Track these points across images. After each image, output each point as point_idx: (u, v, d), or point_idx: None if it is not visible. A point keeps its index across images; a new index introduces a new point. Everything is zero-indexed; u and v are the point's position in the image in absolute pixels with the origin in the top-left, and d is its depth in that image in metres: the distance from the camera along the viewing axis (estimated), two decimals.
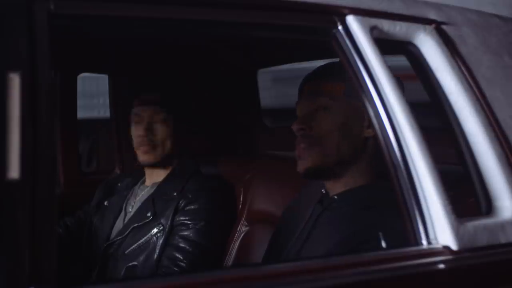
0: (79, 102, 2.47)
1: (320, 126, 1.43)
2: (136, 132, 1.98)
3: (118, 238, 1.94)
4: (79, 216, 2.20)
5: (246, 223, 2.00)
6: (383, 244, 1.16)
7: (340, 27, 1.22)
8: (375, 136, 1.37)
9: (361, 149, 1.43)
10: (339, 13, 1.23)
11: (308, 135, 1.43)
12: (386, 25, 1.28)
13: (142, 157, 1.98)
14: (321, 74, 1.48)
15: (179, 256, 1.86)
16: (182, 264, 1.85)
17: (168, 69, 2.34)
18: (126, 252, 1.90)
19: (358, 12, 1.24)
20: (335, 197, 1.46)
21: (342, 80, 1.42)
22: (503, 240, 1.23)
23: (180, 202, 1.91)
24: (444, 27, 1.36)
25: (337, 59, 1.48)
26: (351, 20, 1.23)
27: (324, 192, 1.51)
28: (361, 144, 1.43)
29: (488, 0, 1.54)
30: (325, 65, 1.51)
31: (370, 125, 1.39)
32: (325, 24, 1.23)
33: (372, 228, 1.23)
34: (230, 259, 1.97)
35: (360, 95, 1.22)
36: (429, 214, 1.16)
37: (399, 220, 1.17)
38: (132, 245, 1.90)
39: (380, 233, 1.16)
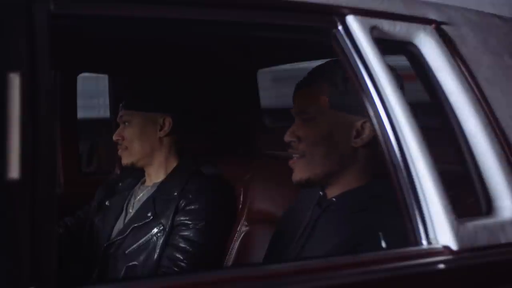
0: (79, 102, 2.47)
1: (307, 138, 1.44)
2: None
3: (119, 238, 1.94)
4: (79, 216, 2.20)
5: (246, 223, 2.00)
6: (382, 244, 1.16)
7: (340, 27, 1.22)
8: (368, 143, 1.38)
9: (350, 158, 1.43)
10: (339, 13, 1.23)
11: (296, 147, 1.45)
12: (386, 25, 1.28)
13: None
14: (306, 85, 1.48)
15: (179, 256, 1.86)
16: (182, 264, 1.85)
17: (168, 69, 2.34)
18: (126, 252, 1.90)
19: (358, 12, 1.24)
20: (333, 199, 1.46)
21: (327, 92, 1.42)
22: (503, 240, 1.23)
23: (181, 202, 1.91)
24: (444, 27, 1.36)
25: (326, 61, 1.49)
26: (351, 20, 1.23)
27: (321, 194, 1.51)
28: (349, 154, 1.43)
29: (488, 0, 1.54)
30: (309, 74, 1.49)
31: (359, 135, 1.40)
32: (325, 24, 1.23)
33: (371, 229, 1.23)
34: (230, 259, 1.97)
35: (360, 95, 1.22)
36: (429, 214, 1.16)
37: (398, 220, 1.17)
38: (133, 245, 1.90)
39: (379, 234, 1.17)
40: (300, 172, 1.45)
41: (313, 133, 1.44)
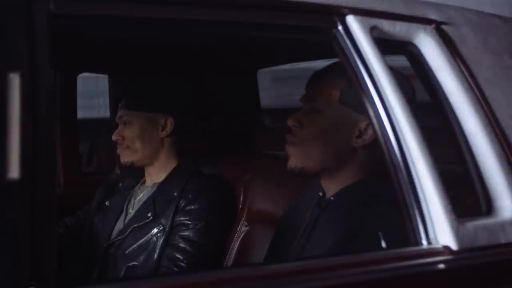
0: (79, 102, 2.47)
1: (310, 126, 1.44)
2: None
3: (119, 238, 1.94)
4: (79, 216, 2.20)
5: (246, 223, 2.00)
6: (380, 237, 1.16)
7: (340, 27, 1.22)
8: (369, 145, 1.38)
9: (348, 157, 1.43)
10: (339, 13, 1.23)
11: (297, 132, 1.45)
12: (386, 25, 1.28)
13: None
14: (322, 77, 1.48)
15: (179, 256, 1.86)
16: (182, 264, 1.85)
17: (168, 69, 2.34)
18: (126, 252, 1.90)
19: (358, 12, 1.24)
20: (331, 198, 1.46)
21: (340, 87, 1.42)
22: (503, 240, 1.23)
23: (181, 202, 1.91)
24: (444, 27, 1.36)
25: (337, 60, 1.49)
26: (351, 20, 1.23)
27: (321, 194, 1.51)
28: (347, 152, 1.42)
29: (488, 0, 1.54)
30: (327, 67, 1.51)
31: (361, 135, 1.40)
32: (325, 24, 1.23)
33: (367, 221, 1.23)
34: (230, 259, 1.97)
35: (360, 95, 1.22)
36: (429, 214, 1.16)
37: (395, 212, 1.17)
38: (132, 245, 1.90)
39: (375, 226, 1.17)
40: (294, 160, 1.45)
41: (317, 123, 1.44)
